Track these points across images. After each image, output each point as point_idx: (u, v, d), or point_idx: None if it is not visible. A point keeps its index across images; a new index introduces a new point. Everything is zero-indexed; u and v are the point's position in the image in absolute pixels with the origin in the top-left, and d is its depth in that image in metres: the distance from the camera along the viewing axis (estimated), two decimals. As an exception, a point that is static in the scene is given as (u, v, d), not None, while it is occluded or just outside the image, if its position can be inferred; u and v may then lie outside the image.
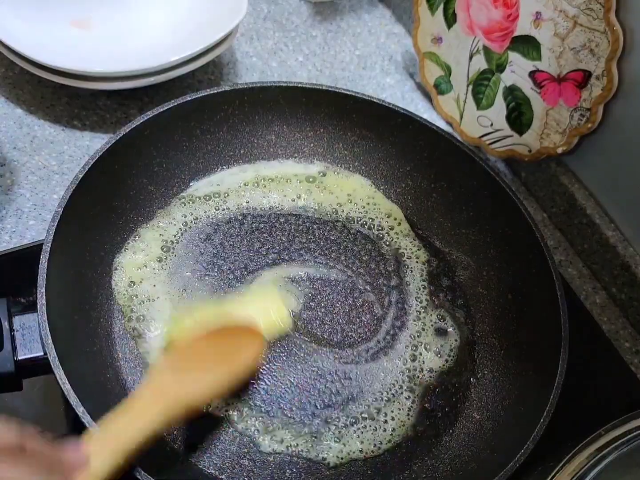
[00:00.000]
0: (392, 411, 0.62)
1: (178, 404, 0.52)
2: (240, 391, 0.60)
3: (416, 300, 0.69)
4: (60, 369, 0.52)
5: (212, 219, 0.71)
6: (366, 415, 0.61)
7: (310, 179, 0.76)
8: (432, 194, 0.75)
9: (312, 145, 0.77)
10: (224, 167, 0.75)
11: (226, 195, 0.73)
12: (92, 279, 0.64)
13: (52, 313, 0.54)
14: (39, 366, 0.54)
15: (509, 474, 0.53)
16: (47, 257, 0.57)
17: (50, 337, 0.53)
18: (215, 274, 0.68)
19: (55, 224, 0.58)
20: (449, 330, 0.67)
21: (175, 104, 0.69)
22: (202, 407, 0.58)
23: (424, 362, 0.65)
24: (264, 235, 0.71)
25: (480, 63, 0.79)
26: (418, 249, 0.72)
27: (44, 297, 0.55)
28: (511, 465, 0.53)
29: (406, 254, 0.72)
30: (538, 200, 0.82)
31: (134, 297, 0.64)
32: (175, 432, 0.58)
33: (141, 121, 0.67)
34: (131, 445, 0.47)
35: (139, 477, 0.49)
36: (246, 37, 0.93)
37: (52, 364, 0.52)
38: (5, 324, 0.55)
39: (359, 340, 0.66)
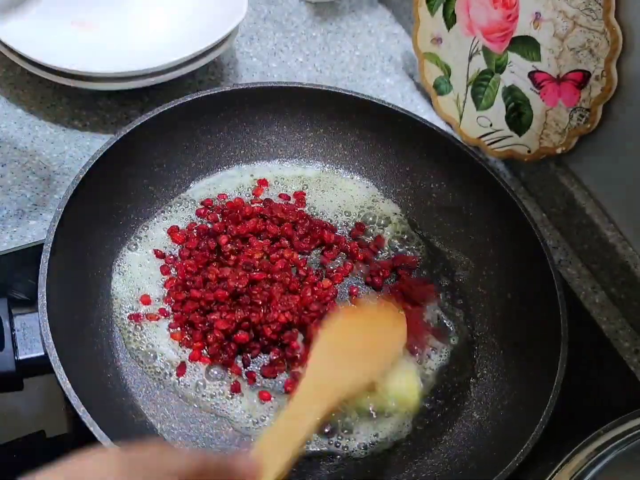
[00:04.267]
0: (392, 410, 0.62)
1: (337, 396, 0.51)
2: None
3: (416, 300, 0.69)
4: (61, 369, 0.52)
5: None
6: (367, 415, 0.61)
7: (310, 179, 0.76)
8: (432, 194, 0.75)
9: (312, 145, 0.77)
10: (224, 167, 0.75)
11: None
12: (93, 278, 0.64)
13: (53, 313, 0.55)
14: (40, 366, 0.54)
15: (508, 474, 0.53)
16: (48, 257, 0.57)
17: (50, 337, 0.53)
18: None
19: (56, 224, 0.59)
20: (448, 329, 0.67)
21: (176, 104, 0.70)
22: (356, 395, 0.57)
23: (423, 361, 0.65)
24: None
25: (479, 63, 0.79)
26: (418, 249, 0.73)
27: (45, 297, 0.55)
28: (511, 464, 0.53)
29: (406, 255, 0.72)
30: (537, 200, 0.82)
31: (134, 297, 0.64)
32: (175, 433, 0.58)
33: (142, 121, 0.67)
34: (297, 446, 0.47)
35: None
36: (246, 37, 0.93)
37: (52, 363, 0.52)
38: (6, 324, 0.55)
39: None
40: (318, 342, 0.56)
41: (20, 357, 0.55)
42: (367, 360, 0.56)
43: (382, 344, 0.58)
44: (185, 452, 0.42)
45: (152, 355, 0.61)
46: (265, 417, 0.59)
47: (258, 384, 0.61)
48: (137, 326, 0.63)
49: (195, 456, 0.41)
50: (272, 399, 0.60)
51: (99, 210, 0.65)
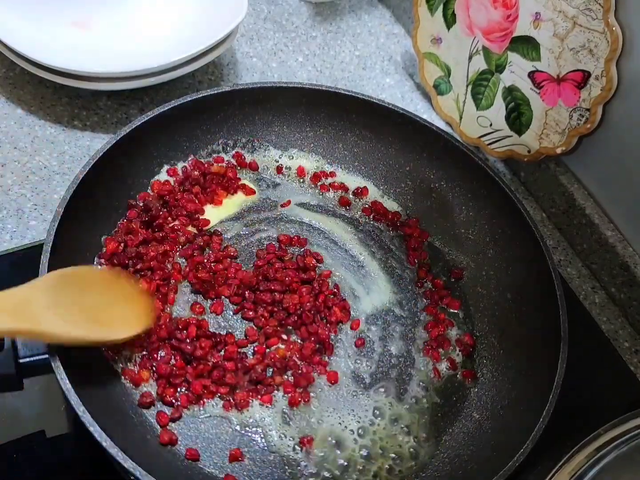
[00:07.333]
0: (392, 411, 0.62)
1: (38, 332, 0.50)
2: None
3: (416, 300, 0.69)
4: (61, 369, 0.52)
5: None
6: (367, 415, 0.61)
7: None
8: (432, 194, 0.75)
9: (312, 145, 0.77)
10: (224, 167, 0.75)
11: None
12: (93, 278, 0.64)
13: (53, 313, 0.54)
14: (40, 366, 0.54)
15: (508, 474, 0.53)
16: (48, 257, 0.57)
17: (50, 336, 0.53)
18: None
19: (56, 224, 0.59)
20: (448, 329, 0.67)
21: (176, 104, 0.70)
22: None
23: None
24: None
25: (479, 63, 0.79)
26: (417, 249, 0.73)
27: (45, 297, 0.55)
28: (510, 464, 0.53)
29: (405, 254, 0.72)
30: (537, 200, 0.82)
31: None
32: (174, 431, 0.58)
33: (142, 121, 0.67)
34: None
35: (139, 477, 0.49)
36: (246, 37, 0.93)
37: (52, 363, 0.52)
38: (6, 324, 0.55)
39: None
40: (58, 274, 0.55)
41: (21, 358, 0.54)
42: (89, 320, 0.54)
43: (120, 315, 0.58)
44: None
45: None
46: (264, 418, 0.59)
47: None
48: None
49: None
50: (272, 400, 0.60)
51: (99, 211, 0.65)
